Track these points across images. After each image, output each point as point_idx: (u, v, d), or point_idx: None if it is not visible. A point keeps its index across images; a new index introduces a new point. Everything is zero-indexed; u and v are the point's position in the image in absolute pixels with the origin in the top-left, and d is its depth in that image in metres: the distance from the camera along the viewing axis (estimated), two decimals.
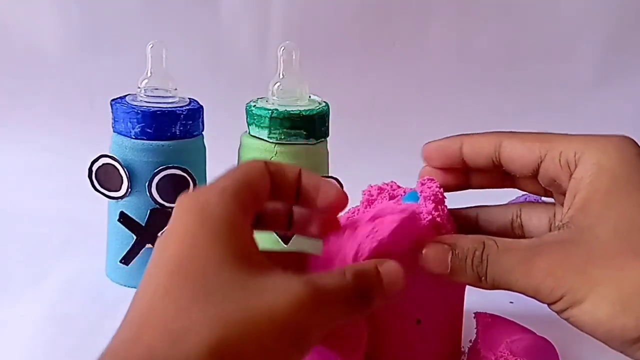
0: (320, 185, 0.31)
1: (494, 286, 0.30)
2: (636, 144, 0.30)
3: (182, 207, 0.28)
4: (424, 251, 0.31)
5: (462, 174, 0.36)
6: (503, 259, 0.29)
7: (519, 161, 0.32)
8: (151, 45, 0.50)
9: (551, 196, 0.33)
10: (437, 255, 0.31)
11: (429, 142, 0.36)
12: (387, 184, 0.37)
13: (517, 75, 1.01)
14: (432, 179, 0.35)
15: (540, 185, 0.33)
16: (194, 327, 0.22)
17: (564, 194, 0.31)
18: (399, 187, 0.37)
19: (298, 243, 0.48)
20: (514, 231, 0.35)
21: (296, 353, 0.24)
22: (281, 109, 0.48)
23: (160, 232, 0.50)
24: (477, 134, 0.34)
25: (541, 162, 0.31)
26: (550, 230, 0.34)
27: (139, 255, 0.51)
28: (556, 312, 0.28)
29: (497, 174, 0.35)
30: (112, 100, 0.50)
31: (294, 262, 0.32)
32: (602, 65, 1.02)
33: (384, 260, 0.29)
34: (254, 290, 0.24)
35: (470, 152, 0.34)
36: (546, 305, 0.28)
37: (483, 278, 0.29)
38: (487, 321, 0.37)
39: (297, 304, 0.24)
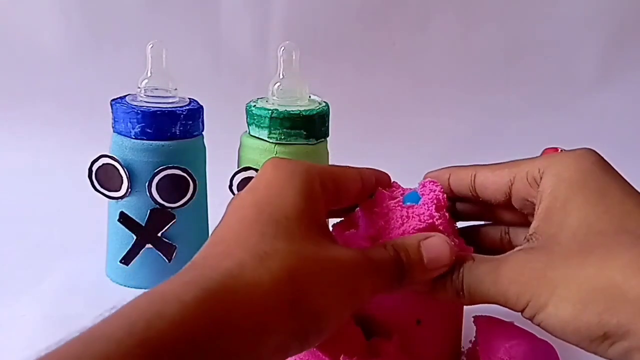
0: (382, 178, 0.36)
1: (471, 299, 0.31)
2: (596, 154, 0.31)
3: (274, 163, 0.31)
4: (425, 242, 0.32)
5: (453, 206, 0.38)
6: (475, 271, 0.30)
7: (491, 187, 0.34)
8: (151, 45, 0.50)
9: (528, 223, 0.34)
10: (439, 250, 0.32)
11: (429, 172, 0.38)
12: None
13: (518, 75, 1.01)
14: (434, 182, 0.36)
15: (516, 214, 0.35)
16: (277, 254, 0.26)
17: None
18: (399, 186, 0.37)
19: None
20: (504, 247, 0.36)
21: (350, 304, 0.28)
22: (281, 109, 0.48)
23: (161, 232, 0.50)
24: (461, 166, 0.36)
25: (512, 185, 0.33)
26: None
27: (139, 255, 0.51)
28: (527, 319, 0.28)
29: (479, 206, 0.37)
30: (112, 100, 0.50)
31: None
32: (603, 64, 1.02)
33: (429, 234, 0.31)
34: (324, 246, 0.28)
35: (454, 183, 0.36)
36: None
37: (461, 292, 0.31)
38: (486, 325, 0.37)
39: (355, 265, 0.28)
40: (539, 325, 0.28)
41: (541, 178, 0.31)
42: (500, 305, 0.29)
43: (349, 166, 0.34)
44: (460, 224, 0.38)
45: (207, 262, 0.26)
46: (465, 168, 0.36)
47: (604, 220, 0.28)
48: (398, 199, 0.35)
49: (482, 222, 0.39)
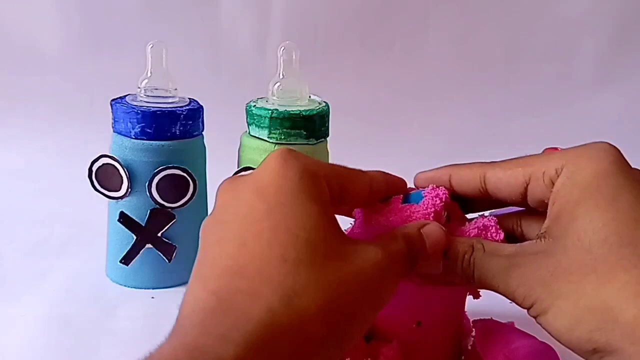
0: (398, 183, 0.35)
1: (481, 286, 0.32)
2: (615, 150, 0.30)
3: (283, 158, 0.29)
4: (425, 228, 0.32)
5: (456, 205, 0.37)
6: (487, 264, 0.30)
7: (506, 189, 0.33)
8: (151, 45, 0.50)
9: (543, 219, 0.33)
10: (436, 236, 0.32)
11: (419, 173, 0.36)
12: None
13: (518, 75, 1.01)
14: (436, 188, 0.35)
15: (530, 209, 0.34)
16: (304, 289, 0.25)
17: None
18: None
19: None
20: (516, 237, 0.35)
21: (379, 306, 0.28)
22: (281, 109, 0.48)
23: (161, 232, 0.50)
24: (463, 164, 0.35)
25: (527, 185, 0.32)
26: None
27: (139, 255, 0.51)
28: (532, 317, 0.30)
29: (488, 202, 0.36)
30: (112, 100, 0.50)
31: None
32: (603, 64, 1.02)
33: (426, 222, 0.31)
34: (346, 256, 0.27)
35: (458, 184, 0.35)
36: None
37: (471, 280, 0.31)
38: (485, 330, 0.37)
39: (377, 267, 0.27)
40: (540, 325, 0.29)
41: (557, 178, 0.31)
42: (507, 299, 0.30)
43: (358, 170, 0.33)
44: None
45: (236, 304, 0.24)
46: (469, 167, 0.35)
47: (610, 228, 0.28)
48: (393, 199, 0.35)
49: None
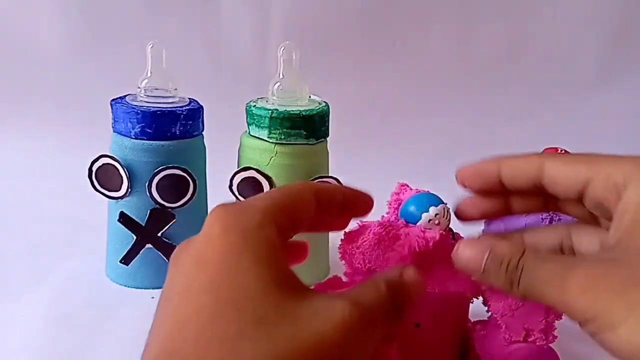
0: (360, 197, 0.32)
1: (524, 295, 0.28)
2: None
3: (221, 223, 0.26)
4: (458, 247, 0.30)
5: (502, 200, 0.35)
6: (539, 270, 0.28)
7: (564, 183, 0.31)
8: (151, 45, 0.50)
9: (596, 221, 0.32)
10: (472, 254, 0.30)
11: (464, 167, 0.34)
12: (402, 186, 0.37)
13: (518, 75, 1.01)
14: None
15: (584, 208, 0.32)
16: None
17: (610, 219, 0.29)
18: (409, 189, 0.36)
19: None
20: (564, 254, 0.34)
21: None
22: (281, 109, 0.48)
23: (161, 232, 0.50)
24: (516, 155, 0.33)
25: (587, 184, 0.30)
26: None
27: (139, 255, 0.51)
28: (587, 333, 0.26)
29: (538, 198, 0.34)
30: (112, 100, 0.50)
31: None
32: (603, 64, 1.02)
33: (404, 267, 0.29)
34: (300, 318, 0.24)
35: (509, 175, 0.33)
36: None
37: (515, 285, 0.28)
38: (484, 331, 0.37)
39: (343, 329, 0.24)
40: (599, 343, 0.26)
41: (625, 187, 0.28)
42: (559, 311, 0.28)
43: (301, 185, 0.30)
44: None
45: None
46: (525, 157, 0.32)
47: None
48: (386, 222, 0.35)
49: (534, 227, 0.36)
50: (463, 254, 0.30)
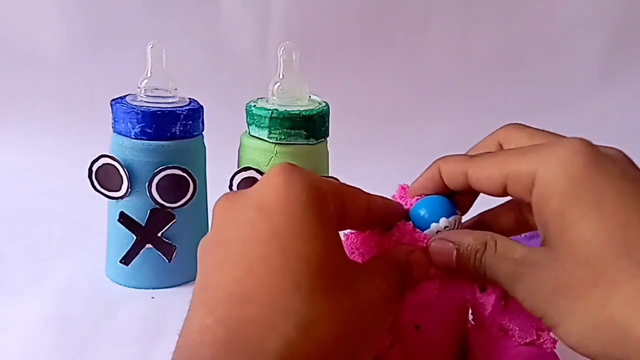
0: (388, 205, 0.34)
1: (493, 285, 0.31)
2: (586, 148, 0.29)
3: (287, 175, 0.27)
4: (430, 246, 0.32)
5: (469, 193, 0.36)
6: (497, 267, 0.30)
7: (487, 190, 0.32)
8: (151, 45, 0.50)
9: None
10: (442, 251, 0.31)
11: (412, 186, 0.35)
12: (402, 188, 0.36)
13: (518, 74, 1.01)
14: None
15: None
16: (321, 318, 0.24)
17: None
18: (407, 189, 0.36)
19: None
20: (521, 229, 0.35)
21: (378, 340, 0.28)
22: (281, 109, 0.48)
23: (161, 232, 0.50)
24: (450, 157, 0.34)
25: (504, 187, 0.31)
26: None
27: (139, 255, 0.51)
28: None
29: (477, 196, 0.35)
30: (112, 100, 0.50)
31: None
32: (603, 64, 1.02)
33: (414, 249, 0.31)
34: (357, 285, 0.26)
35: (447, 180, 0.34)
36: None
37: (483, 277, 0.31)
38: (482, 336, 0.37)
39: (383, 298, 0.27)
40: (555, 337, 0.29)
41: (533, 184, 0.29)
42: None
43: (359, 190, 0.31)
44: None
45: (250, 336, 0.23)
46: (455, 161, 0.33)
47: (602, 238, 0.27)
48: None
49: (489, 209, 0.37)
50: (434, 252, 0.32)
